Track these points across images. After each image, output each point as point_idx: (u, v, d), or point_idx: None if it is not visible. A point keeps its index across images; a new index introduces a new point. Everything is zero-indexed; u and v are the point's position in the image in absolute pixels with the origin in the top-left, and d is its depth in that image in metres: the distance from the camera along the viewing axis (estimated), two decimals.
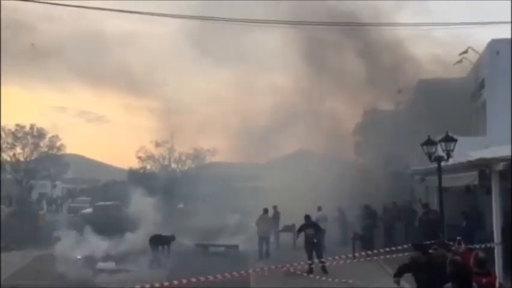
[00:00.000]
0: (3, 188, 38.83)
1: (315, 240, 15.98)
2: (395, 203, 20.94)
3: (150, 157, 49.52)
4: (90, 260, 16.75)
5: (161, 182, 31.96)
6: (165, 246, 17.36)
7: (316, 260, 15.27)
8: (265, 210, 20.23)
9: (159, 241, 17.27)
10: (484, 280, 6.03)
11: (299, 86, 29.50)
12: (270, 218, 20.35)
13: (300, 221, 20.93)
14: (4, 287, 14.20)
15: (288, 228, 21.56)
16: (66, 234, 18.54)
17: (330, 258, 14.98)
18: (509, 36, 18.21)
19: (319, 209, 21.15)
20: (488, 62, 18.69)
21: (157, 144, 48.35)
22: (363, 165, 25.44)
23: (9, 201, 35.94)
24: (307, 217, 16.74)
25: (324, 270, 14.89)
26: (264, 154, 33.09)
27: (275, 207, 22.90)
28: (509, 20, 17.78)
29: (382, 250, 12.46)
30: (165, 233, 17.95)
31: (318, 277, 13.60)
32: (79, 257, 17.63)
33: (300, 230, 16.43)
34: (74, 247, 17.88)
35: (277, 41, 28.37)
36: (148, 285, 9.37)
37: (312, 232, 16.01)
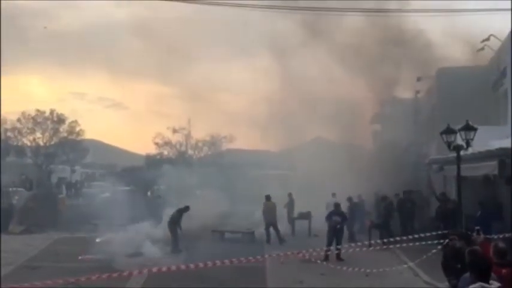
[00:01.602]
0: (24, 172, 39.51)
1: (338, 226, 16.16)
2: (412, 191, 20.70)
3: (167, 143, 49.88)
4: (109, 244, 16.99)
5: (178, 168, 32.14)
6: (181, 221, 17.53)
7: (332, 247, 15.35)
8: (268, 198, 20.24)
9: (177, 220, 17.44)
10: (503, 271, 5.96)
11: (317, 73, 29.33)
12: (274, 205, 20.36)
13: (315, 209, 21.05)
14: (25, 268, 14.52)
15: (303, 216, 21.60)
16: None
17: (346, 245, 15.05)
18: None
19: (333, 195, 21.15)
20: (510, 50, 18.29)
21: (174, 131, 48.69)
22: (380, 154, 25.24)
23: (30, 184, 36.55)
24: (337, 205, 16.96)
25: (339, 258, 14.97)
26: (280, 142, 33.08)
27: (290, 195, 22.92)
28: (509, 8, 17.37)
29: (398, 238, 12.42)
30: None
31: (332, 266, 13.60)
32: (98, 240, 17.93)
33: (329, 217, 16.54)
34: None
35: (295, 28, 28.16)
36: (165, 268, 9.54)
37: (339, 220, 16.21)
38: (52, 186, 40.12)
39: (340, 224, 16.19)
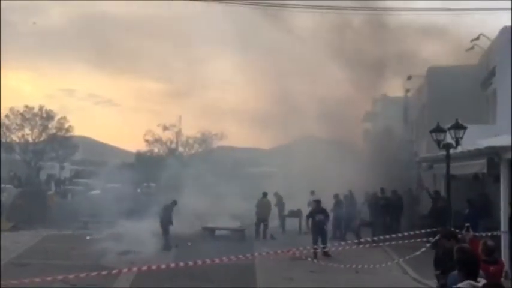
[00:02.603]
0: (13, 168, 39.17)
1: (326, 227, 16.22)
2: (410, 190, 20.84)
3: (158, 140, 49.68)
4: (99, 241, 16.92)
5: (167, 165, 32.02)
6: (172, 215, 17.53)
7: (321, 246, 15.41)
8: (265, 194, 20.42)
9: (168, 216, 17.40)
10: (491, 268, 6.01)
11: (308, 71, 29.38)
12: (269, 202, 20.44)
13: (306, 207, 21.05)
14: (13, 265, 14.39)
15: (293, 214, 21.65)
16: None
17: (335, 244, 15.09)
18: None
19: (312, 193, 21.26)
20: (499, 49, 18.42)
21: (165, 128, 48.49)
22: (371, 152, 25.35)
23: (18, 181, 36.24)
24: (318, 202, 16.87)
25: (326, 254, 15.05)
26: (271, 139, 33.11)
27: (279, 193, 22.87)
28: (508, 7, 17.50)
29: (387, 236, 12.48)
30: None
31: (323, 263, 13.61)
32: (88, 237, 17.84)
33: (310, 215, 16.52)
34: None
35: (286, 26, 28.18)
36: (155, 267, 9.50)
37: (321, 218, 16.19)
38: (41, 183, 39.81)
39: (323, 222, 16.19)
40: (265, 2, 20.92)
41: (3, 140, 43.92)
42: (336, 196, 20.09)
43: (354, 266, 12.64)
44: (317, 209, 16.49)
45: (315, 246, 15.35)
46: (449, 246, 7.99)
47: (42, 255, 16.03)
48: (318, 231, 15.98)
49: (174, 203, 17.94)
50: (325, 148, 26.47)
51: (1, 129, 43.99)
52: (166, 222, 17.31)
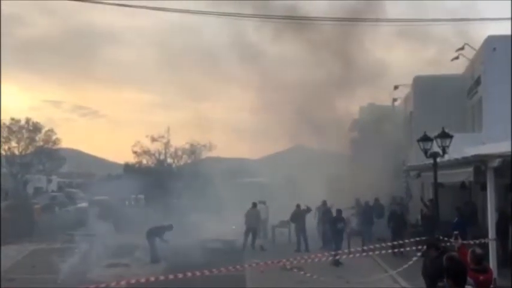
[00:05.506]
0: None
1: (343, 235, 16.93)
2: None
3: (146, 152, 49.41)
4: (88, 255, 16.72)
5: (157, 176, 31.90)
6: (162, 236, 17.35)
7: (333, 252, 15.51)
8: (254, 204, 20.61)
9: (156, 233, 17.27)
10: (481, 277, 6.01)
11: (296, 82, 29.54)
12: (258, 212, 20.59)
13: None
14: (1, 280, 14.19)
15: (283, 224, 21.61)
16: None
17: (326, 253, 15.07)
18: (506, 33, 18.21)
19: (260, 202, 21.64)
20: (484, 59, 18.71)
21: (153, 139, 48.27)
22: (359, 161, 25.49)
23: (5, 194, 35.83)
24: (339, 211, 17.39)
25: (338, 263, 15.27)
26: (260, 149, 33.16)
27: (264, 202, 22.85)
28: (509, 17, 17.77)
29: (377, 246, 12.50)
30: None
31: (315, 276, 13.54)
32: (77, 250, 17.63)
33: (332, 223, 17.05)
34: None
35: (272, 36, 28.39)
36: (144, 280, 9.41)
37: (342, 225, 16.85)
38: (28, 196, 39.35)
39: (343, 229, 16.91)
40: (251, 15, 21.07)
41: None
42: (298, 206, 20.11)
43: (344, 276, 12.63)
44: (338, 217, 16.96)
45: (333, 252, 15.36)
46: (432, 255, 8.23)
47: (30, 270, 15.80)
48: (338, 238, 16.39)
49: (170, 227, 17.81)
50: (314, 157, 26.58)
51: None
52: (153, 236, 17.12)
